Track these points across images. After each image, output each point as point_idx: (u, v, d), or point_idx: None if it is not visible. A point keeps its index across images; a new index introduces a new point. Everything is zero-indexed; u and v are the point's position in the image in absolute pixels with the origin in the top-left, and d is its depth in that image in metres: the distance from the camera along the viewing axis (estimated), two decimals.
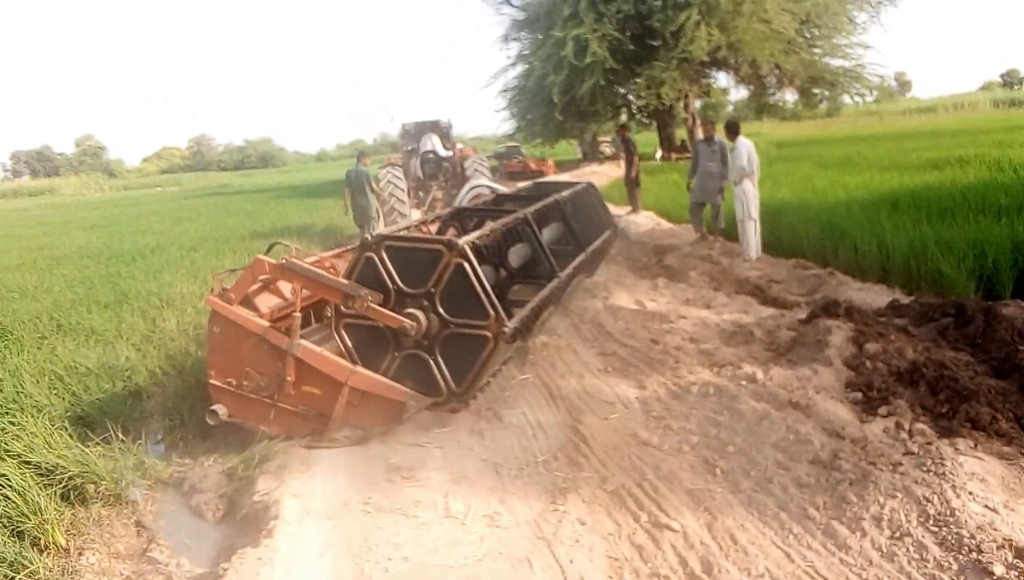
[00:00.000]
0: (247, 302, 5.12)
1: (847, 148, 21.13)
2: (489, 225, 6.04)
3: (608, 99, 31.76)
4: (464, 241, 4.97)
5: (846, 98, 31.36)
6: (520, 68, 30.27)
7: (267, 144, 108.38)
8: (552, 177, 25.74)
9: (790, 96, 31.89)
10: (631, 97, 32.04)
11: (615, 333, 6.54)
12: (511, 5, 31.29)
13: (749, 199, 9.43)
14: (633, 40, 24.56)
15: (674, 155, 31.03)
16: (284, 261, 5.00)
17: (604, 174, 27.10)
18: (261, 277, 5.20)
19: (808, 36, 27.29)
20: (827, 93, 30.65)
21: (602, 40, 23.86)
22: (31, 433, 4.77)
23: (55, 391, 5.95)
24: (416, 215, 14.43)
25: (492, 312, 4.75)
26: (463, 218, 7.45)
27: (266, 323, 4.95)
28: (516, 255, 7.06)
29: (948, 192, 10.71)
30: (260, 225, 18.64)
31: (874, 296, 7.09)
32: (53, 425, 5.08)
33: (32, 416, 5.09)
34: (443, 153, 16.97)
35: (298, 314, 4.87)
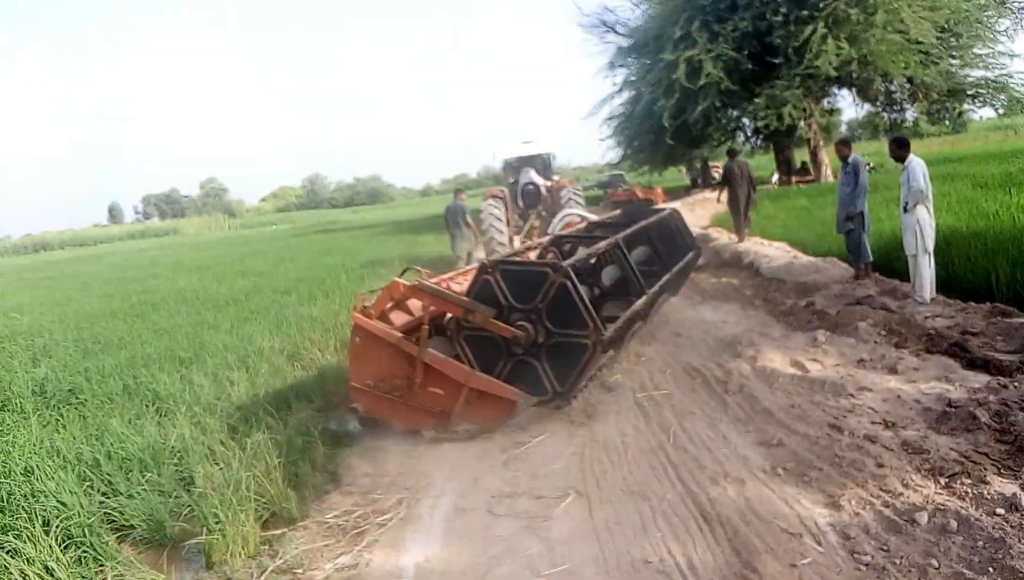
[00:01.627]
0: (383, 317, 6.06)
1: (1002, 165, 18.49)
2: (585, 250, 6.86)
3: (721, 122, 30.01)
4: (567, 264, 5.71)
5: (974, 113, 28.20)
6: (626, 95, 28.91)
7: (375, 181, 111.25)
8: (668, 205, 24.10)
9: (910, 113, 29.02)
10: (745, 120, 30.17)
11: (776, 411, 4.99)
12: (616, 32, 30.08)
13: (924, 228, 7.62)
14: (751, 58, 22.72)
15: (794, 178, 28.75)
16: (417, 283, 5.91)
17: (716, 201, 25.27)
18: (396, 296, 6.07)
19: (947, 46, 24.64)
20: (962, 107, 27.69)
21: (717, 60, 22.15)
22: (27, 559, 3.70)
23: (87, 484, 4.95)
24: (516, 243, 14.93)
25: (591, 323, 5.40)
26: (560, 244, 8.14)
27: (399, 334, 5.77)
28: (608, 276, 7.68)
29: None
30: (357, 262, 17.94)
31: None
32: (61, 542, 4.01)
33: (35, 530, 4.04)
34: (541, 183, 17.52)
35: (427, 327, 5.65)
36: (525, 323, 5.61)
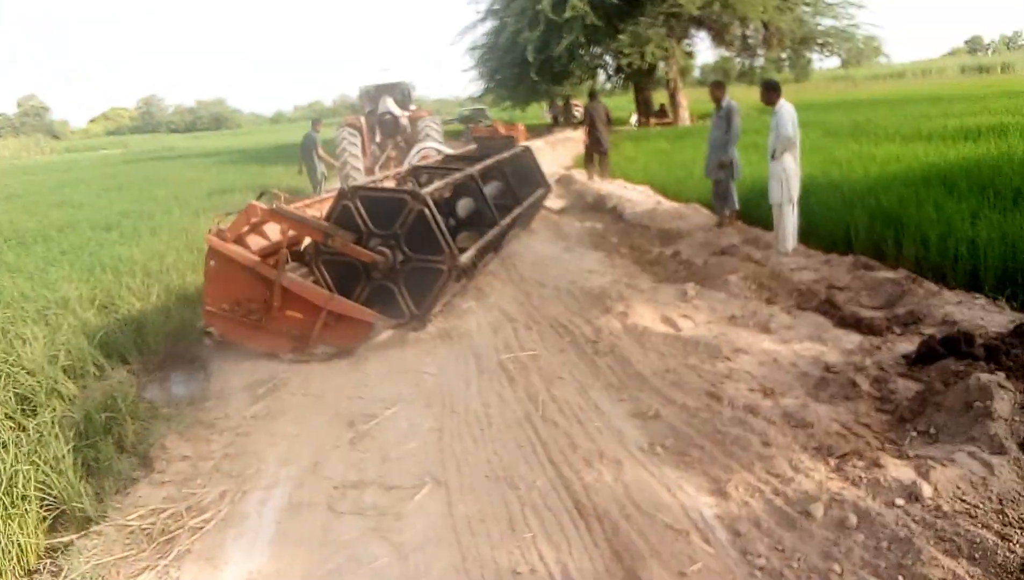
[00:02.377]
0: (240, 241, 6.02)
1: (848, 114, 19.25)
2: (442, 181, 7.05)
3: (584, 59, 29.67)
4: (425, 192, 5.96)
5: (831, 61, 29.51)
6: (490, 24, 27.88)
7: (220, 105, 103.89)
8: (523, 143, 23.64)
9: (761, 60, 29.87)
10: (607, 57, 29.96)
11: (651, 377, 4.61)
12: None
13: (791, 177, 7.49)
14: None
15: (653, 120, 29.03)
16: (275, 206, 5.95)
17: (580, 140, 25.04)
18: (253, 220, 6.01)
19: None
20: (811, 55, 28.85)
21: None
22: None
23: None
24: (376, 173, 14.28)
25: (448, 249, 5.72)
26: (418, 175, 8.10)
27: (257, 258, 5.85)
28: (463, 207, 7.69)
29: (1007, 168, 8.90)
30: (194, 195, 16.30)
31: (980, 313, 5.25)
32: None
33: None
34: (398, 113, 17.40)
35: (285, 250, 5.80)
36: (384, 248, 5.83)
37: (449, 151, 12.09)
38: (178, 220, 12.63)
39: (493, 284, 7.36)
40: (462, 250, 6.04)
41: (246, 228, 6.10)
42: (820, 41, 27.11)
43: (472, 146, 11.32)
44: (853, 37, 26.97)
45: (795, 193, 7.59)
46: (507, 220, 7.56)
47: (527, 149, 10.18)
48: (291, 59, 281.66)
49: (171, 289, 8.04)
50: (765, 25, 24.90)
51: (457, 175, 7.37)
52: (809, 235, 8.02)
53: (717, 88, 9.33)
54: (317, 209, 6.70)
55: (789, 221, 7.65)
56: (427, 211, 5.74)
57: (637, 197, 11.84)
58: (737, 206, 9.17)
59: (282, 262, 5.77)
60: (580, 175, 15.41)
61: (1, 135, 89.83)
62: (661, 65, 26.15)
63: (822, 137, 14.87)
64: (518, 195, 8.61)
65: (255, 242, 6.14)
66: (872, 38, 27.36)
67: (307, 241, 6.10)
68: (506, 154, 9.07)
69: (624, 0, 22.42)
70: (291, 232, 5.94)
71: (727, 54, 31.14)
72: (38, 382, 5.36)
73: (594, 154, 15.00)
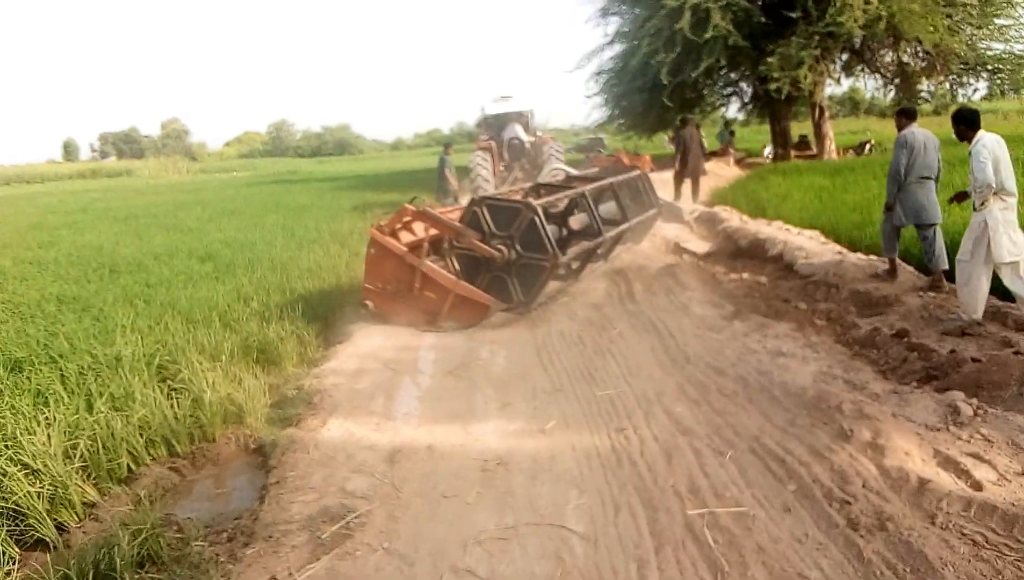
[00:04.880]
0: (393, 234, 7.52)
1: None
2: (555, 196, 8.59)
3: (718, 85, 27.43)
4: (536, 203, 7.30)
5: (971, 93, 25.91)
6: (618, 48, 26.07)
7: (344, 131, 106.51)
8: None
9: (926, 87, 26.68)
10: (743, 84, 27.61)
11: None
12: None
13: (994, 232, 5.63)
14: (764, 11, 20.08)
15: (793, 153, 26.42)
16: (422, 209, 7.50)
17: (714, 174, 22.81)
18: (405, 219, 7.62)
19: (970, 14, 22.22)
20: (977, 84, 25.37)
21: (726, 10, 19.47)
22: None
23: None
24: None
25: (551, 249, 6.98)
26: (538, 191, 9.22)
27: (405, 248, 7.34)
28: (576, 220, 8.67)
29: None
30: (301, 224, 15.26)
31: None
32: None
33: None
34: (525, 139, 19.22)
35: (427, 245, 7.27)
36: (502, 246, 7.15)
37: (574, 172, 13.81)
38: (278, 253, 11.46)
39: (652, 368, 5.51)
40: (565, 253, 7.44)
41: (399, 225, 7.63)
42: (991, 67, 23.82)
43: (595, 169, 13.75)
44: None
45: (1001, 254, 5.62)
46: (612, 233, 8.50)
47: (641, 174, 11.02)
48: (411, 87, 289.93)
49: (247, 343, 6.65)
50: (926, 50, 22.01)
51: (570, 192, 8.60)
52: None
53: (903, 116, 7.59)
54: (451, 217, 7.78)
55: (976, 287, 5.73)
56: (537, 219, 7.02)
57: (806, 244, 9.67)
58: (943, 265, 7.15)
59: (424, 252, 7.21)
60: (727, 213, 13.32)
61: (144, 156, 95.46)
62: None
63: None
64: (627, 213, 9.19)
65: (405, 238, 7.60)
66: None
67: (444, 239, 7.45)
68: (621, 177, 9.95)
69: (773, 18, 20.16)
70: (432, 230, 7.43)
71: (872, 83, 28.07)
72: (42, 488, 3.93)
73: (684, 180, 15.84)
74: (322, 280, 9.40)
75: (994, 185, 5.67)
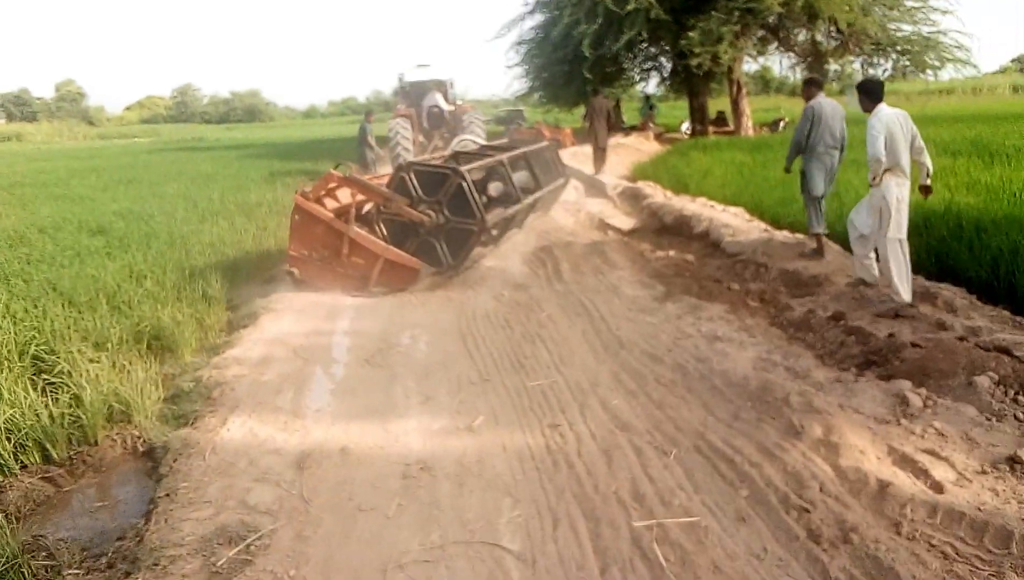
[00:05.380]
0: (318, 201, 7.48)
1: (946, 130, 16.70)
2: (478, 162, 8.39)
3: (637, 59, 27.34)
4: (464, 168, 7.38)
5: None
6: (540, 17, 25.63)
7: (254, 97, 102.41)
8: (572, 148, 21.52)
9: (834, 67, 27.33)
10: (662, 59, 27.62)
11: None
12: None
13: (891, 206, 5.63)
14: None
15: (711, 129, 26.65)
16: (348, 175, 7.54)
17: (634, 148, 22.76)
18: (330, 185, 7.59)
19: None
20: (886, 64, 26.02)
21: None
22: None
23: None
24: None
25: (479, 213, 7.19)
26: (457, 158, 9.11)
27: (331, 215, 7.32)
28: (494, 188, 8.49)
29: None
30: (204, 194, 14.27)
31: None
32: None
33: None
34: (446, 107, 19.30)
35: (353, 211, 7.37)
36: (430, 211, 7.27)
37: (483, 142, 14.34)
38: (178, 226, 10.61)
39: (585, 355, 5.18)
40: (489, 217, 7.47)
41: (323, 192, 7.59)
42: (900, 48, 24.46)
43: (504, 139, 14.03)
44: (939, 44, 24.25)
45: (897, 231, 5.65)
46: (529, 200, 8.76)
47: (551, 144, 11.39)
48: (325, 53, 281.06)
49: (138, 329, 5.98)
50: (839, 28, 22.44)
51: (490, 160, 8.61)
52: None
53: (812, 86, 7.67)
54: (378, 183, 7.82)
55: (899, 262, 5.65)
56: (464, 184, 7.17)
57: (732, 221, 9.55)
58: (820, 229, 7.53)
59: (352, 218, 7.25)
60: (650, 189, 13.15)
61: (37, 119, 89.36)
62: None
63: (941, 157, 12.49)
64: (540, 182, 9.53)
65: (330, 205, 7.58)
66: (961, 46, 24.61)
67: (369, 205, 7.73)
68: (532, 147, 10.12)
69: None
70: (359, 196, 7.61)
71: (785, 62, 28.52)
72: None
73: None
74: (226, 256, 8.70)
75: (883, 160, 5.60)
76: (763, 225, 9.28)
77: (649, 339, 5.33)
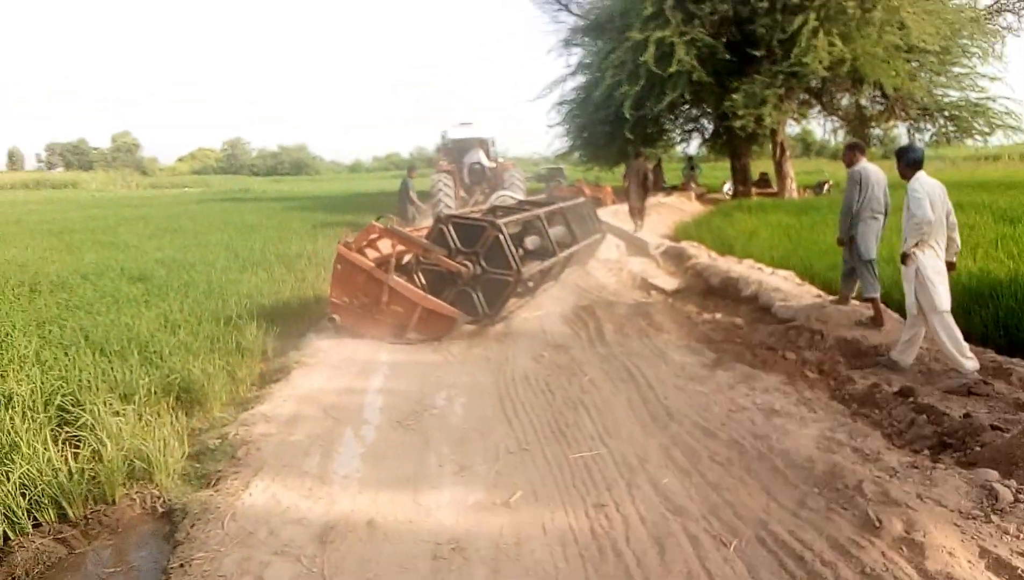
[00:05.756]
0: (360, 251, 7.73)
1: (1005, 197, 16.17)
2: (515, 216, 8.64)
3: (679, 120, 27.37)
4: (501, 222, 7.47)
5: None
6: (581, 78, 25.87)
7: (301, 151, 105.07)
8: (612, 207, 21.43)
9: (877, 131, 27.01)
10: (704, 120, 27.64)
11: None
12: (571, 12, 26.81)
13: (933, 277, 5.61)
14: (729, 48, 19.93)
15: (754, 190, 26.38)
16: (389, 227, 7.91)
17: (677, 208, 22.52)
18: (372, 236, 7.88)
19: (932, 60, 22.46)
20: (938, 129, 25.57)
21: (690, 46, 19.29)
22: None
23: None
24: None
25: (514, 265, 7.28)
26: (495, 212, 9.32)
27: (372, 264, 7.56)
28: (530, 242, 8.77)
29: None
30: (246, 245, 14.32)
31: None
32: None
33: None
34: (487, 164, 19.78)
35: (393, 261, 7.56)
36: (467, 262, 7.44)
37: (522, 198, 14.78)
38: (218, 275, 10.57)
39: (632, 426, 4.85)
40: (525, 269, 7.59)
41: (365, 242, 7.85)
42: (947, 113, 24.08)
43: (541, 196, 14.13)
44: (987, 111, 23.82)
45: (942, 301, 5.62)
46: (565, 253, 8.82)
47: (587, 201, 11.59)
48: (371, 111, 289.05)
49: (168, 381, 5.80)
50: (884, 93, 22.21)
51: (526, 214, 8.95)
52: None
53: (856, 151, 7.50)
54: (417, 235, 8.04)
55: (951, 333, 5.59)
56: (501, 236, 7.28)
57: (782, 285, 9.19)
58: (876, 293, 7.24)
59: (392, 268, 7.44)
60: (694, 249, 12.86)
61: (93, 168, 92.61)
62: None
63: (1000, 224, 12.00)
64: (576, 237, 9.57)
65: (371, 254, 7.82)
66: (1010, 113, 24.10)
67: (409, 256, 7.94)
68: (569, 203, 10.33)
69: (737, 55, 20.04)
70: (399, 247, 7.75)
71: (827, 125, 28.26)
72: None
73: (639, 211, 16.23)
74: (263, 307, 8.57)
75: (932, 221, 5.53)
76: (815, 290, 8.90)
77: (701, 411, 4.98)
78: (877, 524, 3.20)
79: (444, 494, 3.94)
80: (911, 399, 5.03)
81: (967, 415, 4.63)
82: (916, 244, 5.62)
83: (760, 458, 4.13)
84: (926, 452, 4.33)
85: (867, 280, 7.31)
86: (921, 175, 5.76)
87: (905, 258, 5.70)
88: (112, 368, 5.77)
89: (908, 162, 5.84)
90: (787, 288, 9.00)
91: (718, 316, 8.65)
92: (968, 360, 5.54)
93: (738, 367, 5.98)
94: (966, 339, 6.63)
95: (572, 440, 4.65)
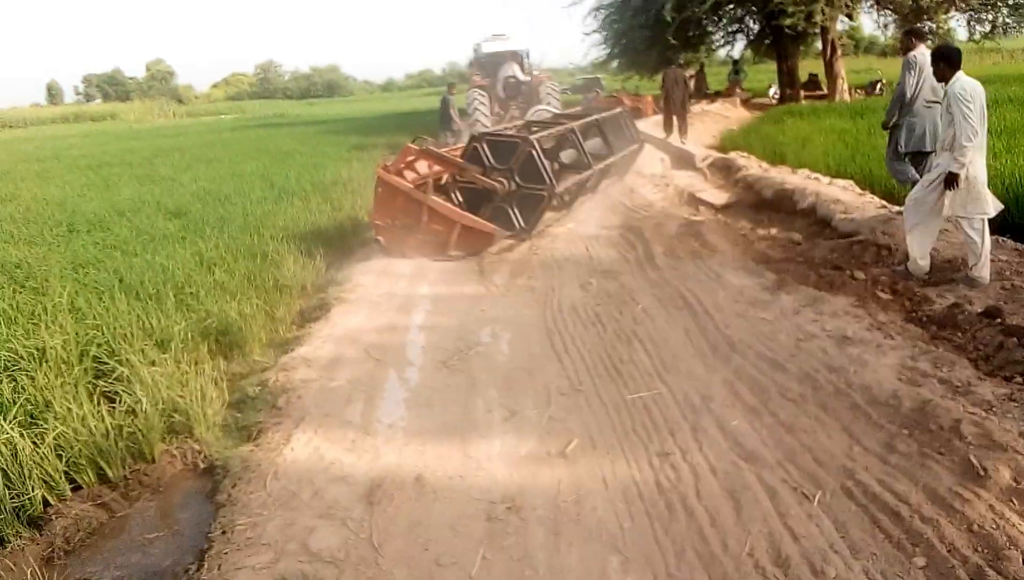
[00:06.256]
0: (399, 173, 7.82)
1: None
2: (548, 131, 8.77)
3: (723, 21, 25.89)
4: (533, 137, 7.71)
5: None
6: None
7: (334, 72, 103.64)
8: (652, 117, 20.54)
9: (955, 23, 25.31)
10: (750, 21, 26.09)
11: None
12: None
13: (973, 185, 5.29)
14: None
15: (802, 93, 25.09)
16: (424, 148, 8.04)
17: (721, 115, 21.52)
18: (409, 158, 8.02)
19: None
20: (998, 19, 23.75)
21: None
22: None
23: None
24: None
25: (548, 180, 7.42)
26: (530, 128, 9.66)
27: (411, 185, 7.66)
28: (566, 155, 9.29)
29: None
30: (280, 173, 14.04)
31: None
32: None
33: None
34: (522, 78, 19.51)
35: (431, 181, 7.75)
36: (502, 179, 7.58)
37: (558, 111, 15.12)
38: (253, 208, 10.34)
39: (691, 360, 4.52)
40: (558, 184, 7.68)
41: (403, 165, 7.94)
42: (1012, 2, 22.36)
43: (578, 108, 14.23)
44: None
45: (987, 207, 5.33)
46: (600, 166, 8.87)
47: (623, 111, 11.52)
48: (401, 27, 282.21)
49: (205, 326, 5.62)
50: None
51: (560, 128, 8.96)
52: None
53: (913, 36, 7.24)
54: (453, 154, 8.20)
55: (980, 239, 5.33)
56: (534, 152, 7.39)
57: (842, 196, 8.60)
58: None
59: (429, 188, 7.57)
60: (744, 159, 12.19)
61: (130, 98, 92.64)
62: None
63: None
64: (612, 148, 9.61)
65: (410, 175, 7.89)
66: None
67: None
68: (605, 114, 10.37)
69: None
70: (436, 167, 7.98)
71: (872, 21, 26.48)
72: None
73: (672, 118, 14.97)
74: (299, 240, 8.33)
75: (974, 142, 5.18)
76: (878, 200, 8.31)
77: (765, 340, 4.62)
78: (982, 473, 2.85)
79: (495, 444, 3.70)
80: (998, 320, 4.59)
81: None
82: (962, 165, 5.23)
83: (837, 394, 3.78)
84: (1019, 380, 3.94)
85: (895, 172, 7.22)
86: (960, 76, 5.31)
87: (954, 180, 5.26)
88: (148, 314, 5.60)
89: (946, 61, 5.41)
90: (847, 199, 8.41)
91: (773, 232, 8.17)
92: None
93: (802, 289, 5.56)
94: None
95: (628, 378, 4.35)
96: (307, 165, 15.58)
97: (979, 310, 4.80)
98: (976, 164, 5.29)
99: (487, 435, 3.80)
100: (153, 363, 4.76)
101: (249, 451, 3.86)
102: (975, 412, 3.36)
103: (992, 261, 5.86)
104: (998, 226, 6.98)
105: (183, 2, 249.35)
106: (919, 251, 5.69)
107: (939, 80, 5.64)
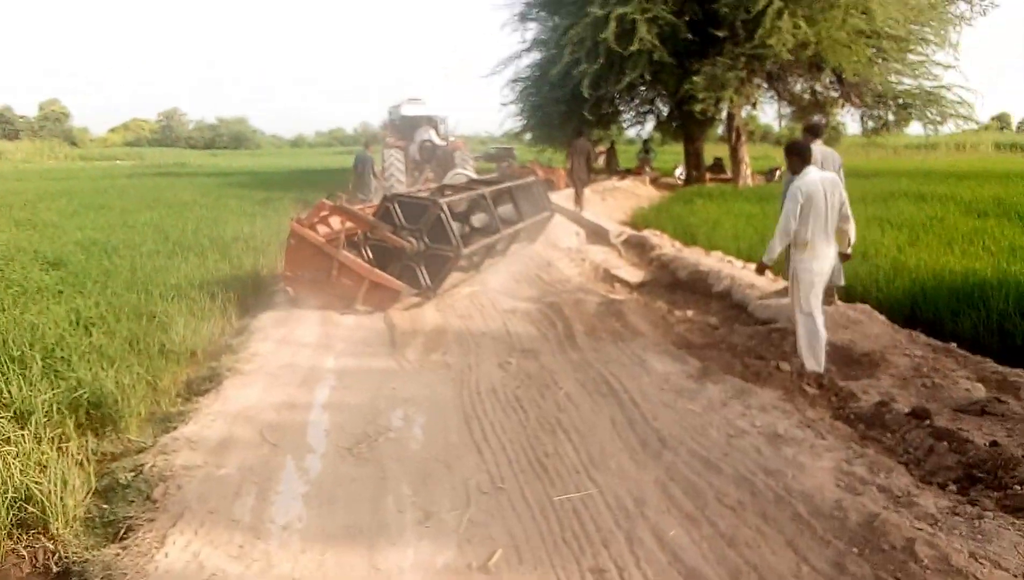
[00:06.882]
0: (312, 227, 8.13)
1: (965, 188, 16.00)
2: (459, 195, 9.30)
3: (635, 102, 26.80)
4: (442, 200, 8.11)
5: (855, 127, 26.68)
6: (536, 55, 25.05)
7: (241, 124, 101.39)
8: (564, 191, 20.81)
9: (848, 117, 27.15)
10: (659, 103, 27.10)
11: None
12: None
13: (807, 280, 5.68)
14: (691, 27, 19.35)
15: (708, 176, 26.15)
16: (338, 204, 8.47)
17: (631, 193, 22.04)
18: (322, 213, 8.32)
19: (892, 48, 22.33)
20: (889, 116, 25.59)
21: (652, 24, 18.67)
22: None
23: None
24: None
25: (455, 241, 7.80)
26: (443, 191, 10.14)
27: (323, 239, 7.94)
28: (477, 219, 9.44)
29: None
30: (176, 225, 13.21)
31: None
32: None
33: None
34: (439, 142, 20.17)
35: (343, 237, 7.99)
36: (412, 238, 7.97)
37: (475, 176, 15.68)
38: (143, 261, 9.58)
39: (620, 455, 4.21)
40: (467, 247, 8.05)
41: (316, 219, 8.25)
42: (901, 101, 24.09)
43: (493, 175, 15.31)
44: (941, 99, 23.85)
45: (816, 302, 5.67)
46: (509, 230, 9.47)
47: (537, 180, 12.23)
48: (314, 84, 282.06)
49: (75, 396, 4.93)
50: (840, 79, 22.15)
51: (472, 193, 9.49)
52: None
53: (807, 132, 7.52)
54: (366, 213, 8.41)
55: (812, 334, 5.66)
56: (443, 214, 7.78)
57: (756, 280, 8.69)
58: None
59: (341, 243, 7.87)
60: (655, 238, 12.31)
61: (19, 137, 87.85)
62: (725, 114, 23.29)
63: (969, 217, 11.75)
64: (523, 214, 10.14)
65: (321, 230, 8.20)
66: (963, 102, 24.14)
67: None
68: (518, 182, 11.03)
69: (700, 35, 19.47)
70: (348, 224, 8.17)
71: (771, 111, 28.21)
72: None
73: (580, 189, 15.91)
74: (192, 301, 7.67)
75: (790, 236, 5.56)
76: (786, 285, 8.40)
77: (696, 435, 4.38)
78: None
79: (407, 553, 3.24)
80: (926, 422, 4.51)
81: (994, 443, 4.13)
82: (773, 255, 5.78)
83: (778, 501, 3.54)
84: (953, 487, 3.82)
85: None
86: (809, 172, 5.52)
87: (762, 269, 5.98)
88: (7, 381, 4.88)
89: (798, 156, 5.64)
90: (762, 284, 8.48)
91: (690, 313, 8.14)
92: (816, 363, 5.59)
93: (728, 379, 5.39)
94: (957, 343, 6.27)
95: (555, 474, 3.99)
96: (207, 218, 14.76)
97: (906, 410, 4.72)
98: (809, 264, 5.54)
99: (398, 542, 3.34)
100: (8, 440, 4.09)
101: (114, 555, 3.26)
102: (922, 528, 3.17)
103: (907, 356, 5.94)
104: (905, 320, 7.15)
105: (83, 41, 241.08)
106: (806, 352, 5.69)
107: (791, 173, 5.80)
